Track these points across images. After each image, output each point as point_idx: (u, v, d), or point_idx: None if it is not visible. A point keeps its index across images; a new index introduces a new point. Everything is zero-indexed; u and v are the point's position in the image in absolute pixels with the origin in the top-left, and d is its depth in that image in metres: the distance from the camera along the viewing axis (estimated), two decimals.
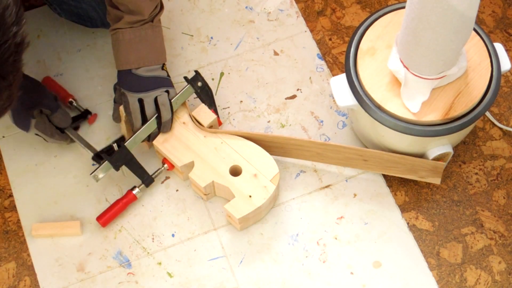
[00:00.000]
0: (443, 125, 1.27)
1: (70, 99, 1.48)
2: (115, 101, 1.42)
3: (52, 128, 1.39)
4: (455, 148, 1.45)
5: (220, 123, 1.45)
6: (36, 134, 1.39)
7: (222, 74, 1.54)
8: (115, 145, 1.35)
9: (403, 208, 1.41)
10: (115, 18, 1.35)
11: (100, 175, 1.36)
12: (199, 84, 1.41)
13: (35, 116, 1.36)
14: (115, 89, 1.42)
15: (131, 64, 1.36)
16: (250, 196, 1.33)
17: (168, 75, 1.40)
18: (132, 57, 1.36)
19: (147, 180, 1.39)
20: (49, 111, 1.37)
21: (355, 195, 1.42)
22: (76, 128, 1.47)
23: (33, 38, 1.57)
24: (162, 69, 1.39)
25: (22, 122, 1.36)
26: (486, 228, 1.39)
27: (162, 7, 1.38)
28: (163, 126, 1.38)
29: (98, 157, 1.39)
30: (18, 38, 0.93)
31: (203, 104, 1.42)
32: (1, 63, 0.92)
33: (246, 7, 1.61)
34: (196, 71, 1.42)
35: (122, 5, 1.33)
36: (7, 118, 1.49)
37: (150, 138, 1.40)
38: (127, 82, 1.37)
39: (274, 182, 1.35)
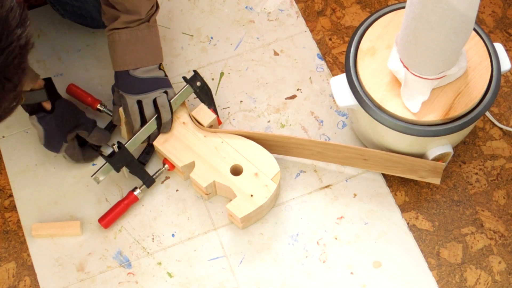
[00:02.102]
0: (443, 125, 1.27)
1: (98, 105, 1.46)
2: (114, 103, 1.41)
3: (79, 153, 1.40)
4: (455, 148, 1.45)
5: (220, 123, 1.45)
6: (64, 157, 1.41)
7: (222, 74, 1.54)
8: (115, 147, 1.35)
9: (403, 208, 1.41)
10: (111, 18, 1.35)
11: (101, 177, 1.36)
12: (198, 83, 1.41)
13: (68, 140, 1.37)
14: (113, 90, 1.41)
15: (128, 65, 1.36)
16: (251, 195, 1.33)
17: (166, 75, 1.40)
18: (129, 58, 1.36)
19: (148, 180, 1.39)
20: (86, 133, 1.38)
21: (355, 195, 1.42)
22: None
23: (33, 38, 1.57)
24: (159, 68, 1.39)
25: (54, 145, 1.38)
26: (486, 228, 1.39)
27: (157, 6, 1.38)
28: (163, 127, 1.38)
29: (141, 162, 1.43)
30: (23, 40, 0.93)
31: (202, 104, 1.42)
32: (6, 65, 0.92)
33: (246, 7, 1.61)
34: (194, 71, 1.41)
35: (119, 4, 1.32)
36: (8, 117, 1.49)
37: (150, 139, 1.40)
38: (125, 84, 1.37)
39: (275, 180, 1.35)
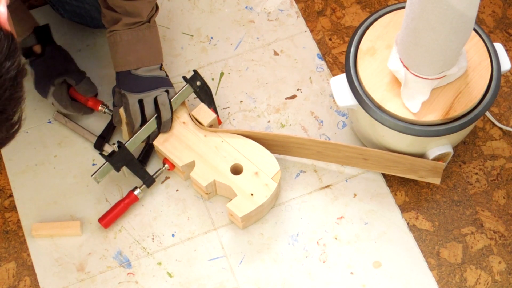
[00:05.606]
0: (443, 125, 1.27)
1: (100, 106, 1.45)
2: (114, 105, 1.41)
3: (68, 100, 1.42)
4: (455, 148, 1.45)
5: (220, 122, 1.45)
6: (52, 104, 1.43)
7: (222, 74, 1.54)
8: (115, 146, 1.35)
9: (403, 208, 1.41)
10: (112, 21, 1.35)
11: (101, 177, 1.36)
12: (198, 83, 1.41)
13: (55, 84, 1.39)
14: (113, 92, 1.41)
15: (130, 65, 1.36)
16: (252, 195, 1.33)
17: (167, 75, 1.40)
18: (131, 58, 1.36)
19: (148, 180, 1.39)
20: (74, 81, 1.40)
21: (355, 195, 1.42)
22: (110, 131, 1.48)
23: None
24: (160, 69, 1.40)
25: (42, 88, 1.40)
26: (486, 228, 1.39)
27: (157, 7, 1.38)
28: (163, 126, 1.38)
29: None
30: (12, 72, 0.90)
31: (202, 104, 1.42)
32: None
33: (246, 7, 1.61)
34: (194, 71, 1.42)
35: (120, 8, 1.32)
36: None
37: (150, 138, 1.40)
38: (127, 83, 1.37)
39: (276, 179, 1.35)
